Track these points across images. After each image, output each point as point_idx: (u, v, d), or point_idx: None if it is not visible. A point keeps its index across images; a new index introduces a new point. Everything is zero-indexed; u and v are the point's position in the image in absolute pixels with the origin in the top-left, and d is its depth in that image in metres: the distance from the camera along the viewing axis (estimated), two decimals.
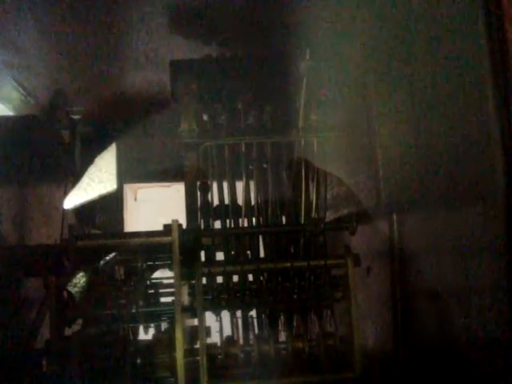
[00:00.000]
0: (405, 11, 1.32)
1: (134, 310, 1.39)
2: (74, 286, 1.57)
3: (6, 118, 1.48)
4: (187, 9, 1.64)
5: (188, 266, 1.45)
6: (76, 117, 2.19)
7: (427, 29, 1.21)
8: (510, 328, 0.92)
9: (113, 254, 1.56)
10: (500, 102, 0.91)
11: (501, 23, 0.90)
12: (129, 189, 3.01)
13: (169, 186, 2.79)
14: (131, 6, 1.65)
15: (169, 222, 1.58)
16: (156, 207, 3.01)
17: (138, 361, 1.39)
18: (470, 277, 1.07)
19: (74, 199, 1.97)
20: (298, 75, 1.59)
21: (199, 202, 1.68)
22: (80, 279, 1.56)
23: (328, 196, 1.89)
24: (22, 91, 2.07)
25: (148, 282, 1.61)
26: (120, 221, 2.75)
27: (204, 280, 1.50)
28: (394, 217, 1.50)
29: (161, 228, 1.51)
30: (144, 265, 1.49)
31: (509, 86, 0.89)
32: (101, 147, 2.54)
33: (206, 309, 1.48)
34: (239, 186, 1.69)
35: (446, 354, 1.21)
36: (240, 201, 1.68)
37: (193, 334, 1.46)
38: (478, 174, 1.01)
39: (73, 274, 1.39)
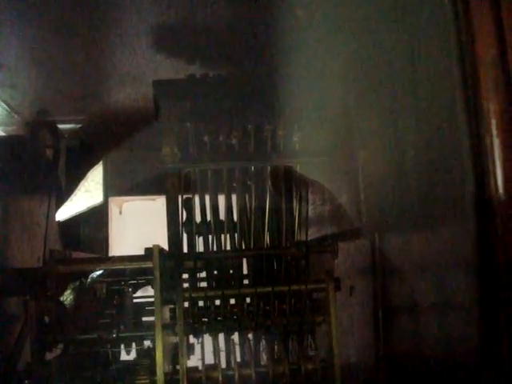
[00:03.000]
0: (386, 33, 1.34)
1: (114, 335, 1.39)
2: (61, 303, 1.57)
3: None
4: (170, 28, 1.64)
5: (169, 290, 1.45)
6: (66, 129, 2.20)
7: (408, 52, 1.23)
8: (487, 342, 0.94)
9: (99, 272, 1.56)
10: (473, 133, 0.95)
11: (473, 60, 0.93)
12: (114, 202, 3.01)
13: (154, 200, 2.79)
14: (114, 25, 1.64)
15: (154, 235, 1.58)
16: (141, 220, 3.01)
17: None
18: (448, 292, 1.10)
19: (59, 214, 1.97)
20: (284, 101, 1.59)
21: (182, 220, 1.67)
22: (67, 296, 1.56)
23: (311, 215, 1.89)
24: (7, 108, 2.07)
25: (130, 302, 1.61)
26: (105, 234, 2.74)
27: (186, 304, 1.50)
28: (376, 236, 1.52)
29: (146, 241, 1.51)
30: (126, 288, 1.49)
31: (480, 115, 0.93)
32: (86, 161, 2.54)
33: (187, 333, 1.48)
34: (222, 202, 1.70)
35: (427, 370, 1.22)
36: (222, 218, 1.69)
37: (175, 352, 1.46)
38: (451, 196, 1.05)
39: (54, 297, 1.39)
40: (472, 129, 0.95)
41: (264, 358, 1.68)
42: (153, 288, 1.47)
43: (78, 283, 1.62)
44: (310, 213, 1.86)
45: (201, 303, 1.57)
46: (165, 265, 1.43)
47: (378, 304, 1.51)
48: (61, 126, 2.12)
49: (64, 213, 2.26)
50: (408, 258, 1.33)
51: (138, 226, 3.02)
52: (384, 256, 1.48)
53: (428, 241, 1.20)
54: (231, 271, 1.63)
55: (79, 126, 2.30)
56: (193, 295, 1.46)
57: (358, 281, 1.67)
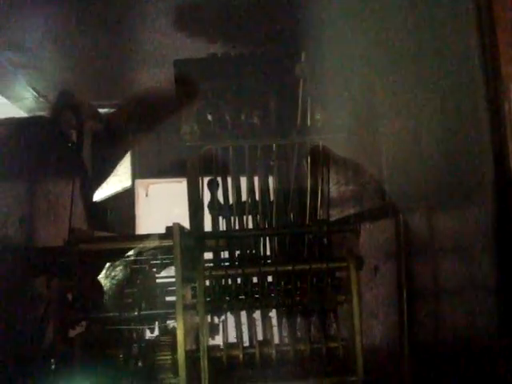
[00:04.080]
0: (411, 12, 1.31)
1: (136, 313, 1.41)
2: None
3: (12, 119, 1.49)
4: (191, 7, 1.63)
5: (191, 269, 1.45)
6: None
7: (433, 31, 1.21)
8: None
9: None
10: (493, 112, 0.96)
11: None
12: (140, 185, 3.03)
13: (180, 182, 2.79)
14: (135, 5, 1.64)
15: (180, 217, 1.58)
16: (168, 202, 3.02)
17: (140, 363, 1.40)
18: (474, 276, 1.08)
19: (88, 197, 1.99)
20: (305, 79, 1.57)
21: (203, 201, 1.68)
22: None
23: (335, 195, 1.88)
24: (32, 91, 2.09)
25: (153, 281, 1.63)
26: (132, 217, 2.77)
27: (208, 282, 1.51)
28: (400, 216, 1.50)
29: (172, 223, 1.51)
30: (147, 266, 1.50)
31: (500, 99, 0.93)
32: (112, 144, 2.56)
33: (208, 311, 1.48)
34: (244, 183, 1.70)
35: (451, 353, 1.21)
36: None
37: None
38: (476, 176, 1.04)
39: (76, 276, 1.41)
40: (492, 107, 0.95)
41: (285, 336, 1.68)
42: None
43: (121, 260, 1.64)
44: (333, 192, 1.85)
45: (223, 282, 1.57)
46: (186, 243, 1.43)
47: (403, 285, 1.49)
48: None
49: (94, 197, 2.28)
50: (432, 239, 1.31)
51: (165, 208, 3.04)
52: (408, 236, 1.47)
53: (452, 221, 1.19)
54: (253, 250, 1.64)
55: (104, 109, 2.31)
56: (213, 273, 1.46)
57: (383, 262, 1.65)
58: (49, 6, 1.61)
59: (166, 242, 1.44)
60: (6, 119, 1.48)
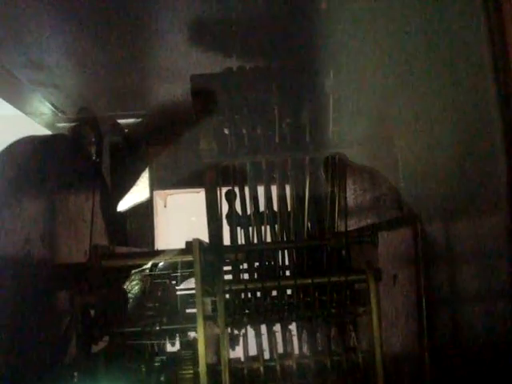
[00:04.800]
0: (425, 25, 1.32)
1: (157, 327, 1.43)
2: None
3: (35, 137, 1.52)
4: (205, 23, 1.65)
5: (210, 282, 1.47)
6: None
7: (446, 44, 1.22)
8: None
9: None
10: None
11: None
12: (158, 195, 3.05)
13: (198, 192, 2.81)
14: (151, 22, 1.66)
15: (199, 227, 1.60)
16: (186, 213, 3.05)
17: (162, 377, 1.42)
18: (492, 283, 1.09)
19: (106, 210, 2.01)
20: (322, 92, 1.58)
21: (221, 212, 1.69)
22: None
23: (352, 205, 1.88)
24: (51, 107, 2.12)
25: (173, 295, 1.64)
26: (151, 227, 2.79)
27: (228, 295, 1.52)
28: (418, 225, 1.51)
29: (190, 233, 1.53)
30: (169, 281, 1.52)
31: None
32: (130, 155, 2.59)
33: (228, 325, 1.50)
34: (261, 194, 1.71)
35: (471, 362, 1.21)
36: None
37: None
38: (493, 184, 1.04)
39: (98, 292, 1.43)
40: (506, 117, 0.96)
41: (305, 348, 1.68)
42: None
43: (142, 274, 1.66)
44: (350, 203, 1.85)
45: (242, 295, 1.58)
46: (205, 258, 1.45)
47: (422, 294, 1.49)
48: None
49: (114, 208, 2.31)
50: (450, 247, 1.32)
51: (183, 218, 3.06)
52: (426, 245, 1.47)
53: (469, 229, 1.19)
54: (272, 263, 1.65)
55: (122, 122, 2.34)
56: (233, 287, 1.48)
57: (401, 270, 1.66)
58: (67, 25, 1.63)
59: (186, 258, 1.45)
60: (29, 137, 1.51)
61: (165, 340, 1.56)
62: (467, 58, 1.11)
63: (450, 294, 1.33)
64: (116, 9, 1.57)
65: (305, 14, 1.61)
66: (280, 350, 1.58)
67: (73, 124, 1.88)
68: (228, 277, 1.67)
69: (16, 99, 2.12)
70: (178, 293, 1.75)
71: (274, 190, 1.72)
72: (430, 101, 1.33)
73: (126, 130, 2.47)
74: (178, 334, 1.59)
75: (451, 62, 1.20)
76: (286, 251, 1.70)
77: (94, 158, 1.95)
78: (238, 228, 1.72)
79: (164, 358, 1.54)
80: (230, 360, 1.44)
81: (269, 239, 1.69)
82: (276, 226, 1.68)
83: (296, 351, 1.58)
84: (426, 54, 1.33)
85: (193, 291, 1.64)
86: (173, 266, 1.65)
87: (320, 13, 1.56)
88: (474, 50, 1.07)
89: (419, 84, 1.38)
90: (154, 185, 2.78)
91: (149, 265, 1.68)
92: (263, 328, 1.63)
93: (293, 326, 1.67)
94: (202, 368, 1.38)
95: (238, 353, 1.65)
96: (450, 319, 1.35)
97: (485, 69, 1.00)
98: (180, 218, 3.10)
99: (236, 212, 1.73)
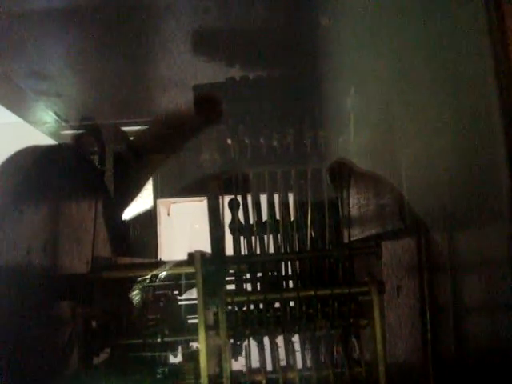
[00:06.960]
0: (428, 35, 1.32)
1: (159, 339, 1.42)
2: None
3: (38, 147, 1.52)
4: (208, 33, 1.65)
5: (212, 293, 1.46)
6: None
7: (450, 53, 1.21)
8: None
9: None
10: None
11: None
12: (161, 204, 3.05)
13: (201, 201, 2.81)
14: (154, 32, 1.66)
15: (202, 235, 1.59)
16: (189, 221, 3.05)
17: None
18: (498, 294, 1.07)
19: (109, 220, 2.00)
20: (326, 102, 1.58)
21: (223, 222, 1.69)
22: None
23: (355, 215, 1.88)
24: (54, 116, 2.12)
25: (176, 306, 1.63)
26: (154, 235, 2.79)
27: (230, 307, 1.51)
28: (421, 236, 1.50)
29: (194, 241, 1.52)
30: (171, 292, 1.51)
31: None
32: (134, 164, 2.58)
33: (230, 336, 1.49)
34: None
35: (476, 373, 1.20)
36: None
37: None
38: (497, 194, 1.03)
39: (99, 304, 1.42)
40: (509, 127, 0.96)
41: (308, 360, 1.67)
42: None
43: (143, 284, 1.65)
44: (354, 212, 1.85)
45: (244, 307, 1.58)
46: (207, 269, 1.44)
47: (426, 305, 1.49)
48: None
49: (117, 217, 2.30)
50: (454, 258, 1.31)
51: (186, 226, 3.06)
52: (430, 255, 1.47)
53: (473, 239, 1.19)
54: (275, 273, 1.64)
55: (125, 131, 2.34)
56: (235, 299, 1.47)
57: (405, 281, 1.65)
58: (69, 35, 1.64)
59: (188, 269, 1.45)
60: (32, 147, 1.50)
61: (167, 351, 1.55)
62: (470, 69, 1.11)
63: (454, 305, 1.32)
64: (119, 18, 1.57)
65: (308, 23, 1.61)
66: (283, 362, 1.57)
67: (76, 133, 1.88)
68: (230, 287, 1.67)
69: (19, 108, 2.13)
70: (180, 303, 1.75)
71: (276, 198, 1.71)
72: (435, 110, 1.32)
73: (131, 138, 2.47)
74: (180, 346, 1.57)
75: (454, 73, 1.19)
76: (288, 262, 1.69)
77: (97, 166, 1.95)
78: (241, 237, 1.72)
79: (166, 369, 1.53)
80: (232, 372, 1.43)
81: (272, 248, 1.68)
82: (278, 236, 1.67)
83: (299, 363, 1.57)
84: (430, 64, 1.33)
85: (195, 301, 1.64)
86: (175, 277, 1.64)
87: (322, 25, 1.56)
88: (476, 61, 1.06)
89: (423, 94, 1.38)
90: (158, 193, 2.78)
91: (153, 277, 1.68)
92: (266, 340, 1.62)
93: (296, 338, 1.66)
94: (204, 380, 1.37)
95: (240, 364, 1.64)
96: (455, 331, 1.34)
97: (488, 79, 1.00)
98: (183, 227, 3.10)
99: (239, 221, 1.72)
